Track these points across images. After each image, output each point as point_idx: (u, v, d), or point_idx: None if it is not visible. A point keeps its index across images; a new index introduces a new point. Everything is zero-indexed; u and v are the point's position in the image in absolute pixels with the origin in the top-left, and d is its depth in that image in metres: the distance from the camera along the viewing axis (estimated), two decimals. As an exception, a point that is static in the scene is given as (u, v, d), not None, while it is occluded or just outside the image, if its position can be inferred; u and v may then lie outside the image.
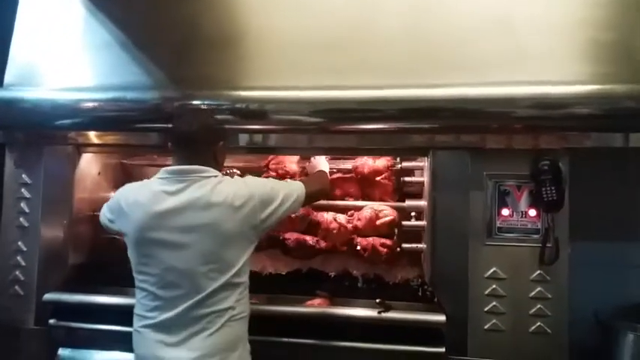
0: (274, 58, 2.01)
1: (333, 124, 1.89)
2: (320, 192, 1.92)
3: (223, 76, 2.00)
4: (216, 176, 1.57)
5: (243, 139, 2.00)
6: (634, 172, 2.15)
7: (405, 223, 2.13)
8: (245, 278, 1.57)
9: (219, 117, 1.88)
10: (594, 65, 1.82)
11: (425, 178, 2.03)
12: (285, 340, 1.90)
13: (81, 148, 2.15)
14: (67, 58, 2.17)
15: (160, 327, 1.50)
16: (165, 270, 1.50)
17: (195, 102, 1.93)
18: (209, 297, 1.48)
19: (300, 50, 1.98)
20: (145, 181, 1.67)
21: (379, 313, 1.85)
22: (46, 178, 2.13)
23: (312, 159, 2.17)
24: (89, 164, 2.24)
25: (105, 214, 1.69)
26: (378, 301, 1.88)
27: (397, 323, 1.85)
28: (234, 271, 1.51)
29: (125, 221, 1.58)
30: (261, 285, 2.16)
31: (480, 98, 1.79)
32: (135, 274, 1.57)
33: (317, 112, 1.87)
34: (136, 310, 1.56)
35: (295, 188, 1.73)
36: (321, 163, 2.12)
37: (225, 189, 1.54)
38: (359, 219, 2.19)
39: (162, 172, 1.59)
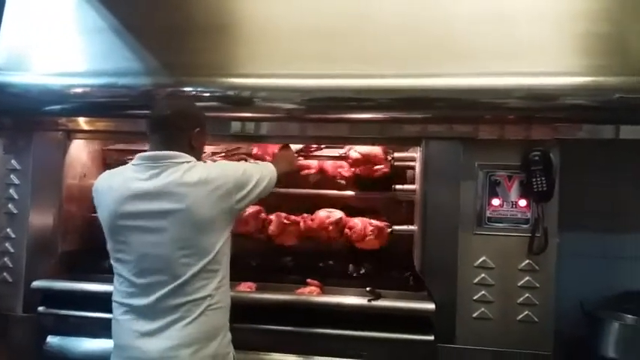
0: (267, 45, 2.00)
1: (326, 113, 1.89)
2: (289, 171, 1.95)
3: (215, 63, 1.98)
4: (189, 162, 1.54)
5: (235, 127, 1.98)
6: (623, 164, 2.18)
7: (395, 227, 2.13)
8: (223, 266, 1.55)
9: (208, 104, 1.87)
10: (587, 57, 1.83)
11: (417, 168, 2.04)
12: (276, 327, 1.90)
13: (71, 134, 2.13)
14: (58, 43, 2.14)
15: (137, 315, 1.48)
16: (141, 256, 1.48)
17: (186, 89, 1.92)
18: (186, 284, 1.46)
19: (292, 38, 1.97)
20: (121, 167, 1.64)
21: (369, 301, 1.86)
22: (36, 164, 2.11)
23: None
24: (79, 151, 2.22)
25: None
26: (368, 289, 1.89)
27: (387, 311, 1.87)
28: (210, 257, 1.48)
29: (100, 208, 1.57)
30: (251, 273, 2.19)
31: (474, 89, 1.80)
32: (112, 262, 1.55)
33: (309, 100, 1.87)
34: (114, 297, 1.55)
35: (268, 171, 1.72)
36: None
37: (197, 173, 1.51)
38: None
39: (136, 159, 1.58)
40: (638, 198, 2.21)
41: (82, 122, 2.09)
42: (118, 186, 1.53)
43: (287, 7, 2.02)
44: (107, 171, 1.68)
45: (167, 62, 2.01)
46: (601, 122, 1.80)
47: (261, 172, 1.68)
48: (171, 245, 1.46)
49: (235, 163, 1.76)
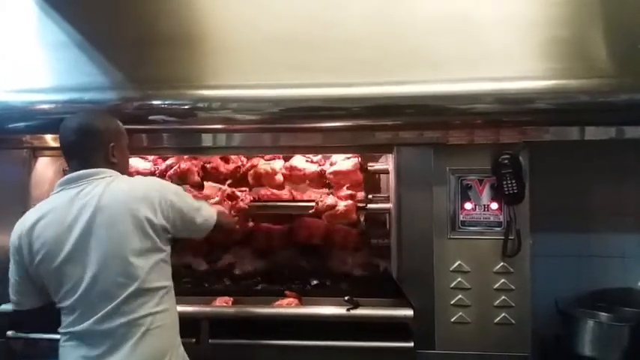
0: (236, 55, 1.98)
1: (297, 123, 1.88)
2: (228, 225, 1.80)
3: (184, 75, 1.96)
4: (110, 176, 1.50)
5: (207, 140, 1.96)
6: (589, 164, 2.22)
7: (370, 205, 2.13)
8: (163, 282, 1.48)
9: (178, 117, 1.86)
10: (550, 61, 1.87)
11: (390, 175, 2.04)
12: (255, 342, 1.87)
13: (36, 151, 2.07)
14: (21, 59, 2.08)
15: (80, 340, 1.44)
16: (76, 282, 1.43)
17: (155, 102, 1.88)
18: (122, 305, 1.41)
19: (261, 47, 1.95)
20: (43, 202, 1.56)
21: (348, 310, 1.85)
22: (0, 183, 2.03)
23: None
24: (45, 168, 2.16)
25: (11, 255, 1.53)
26: (346, 298, 1.88)
27: (366, 320, 1.86)
28: (143, 275, 1.43)
29: (32, 252, 1.47)
30: (228, 287, 2.16)
31: (442, 95, 1.81)
32: (54, 298, 1.49)
33: (280, 110, 1.85)
34: (60, 328, 1.50)
35: (209, 213, 1.63)
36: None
37: (119, 188, 1.47)
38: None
39: (56, 186, 1.53)
40: (606, 198, 2.26)
41: (48, 139, 2.03)
42: (49, 219, 1.46)
43: (254, 16, 2.02)
44: (27, 213, 1.56)
45: (134, 76, 1.97)
46: (566, 124, 1.83)
47: (202, 205, 1.60)
48: (100, 265, 1.41)
49: (169, 183, 1.64)
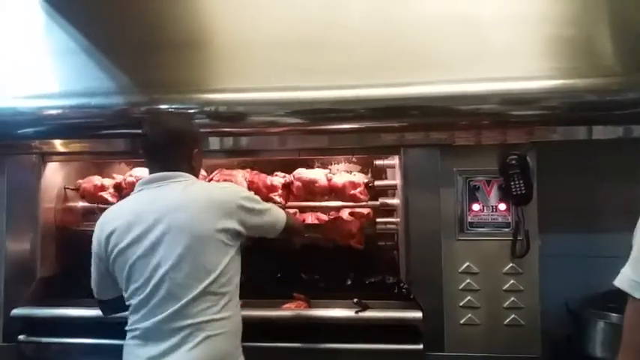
0: (242, 58, 2.00)
1: (304, 125, 1.88)
2: (299, 230, 1.84)
3: (190, 79, 1.97)
4: (188, 179, 1.54)
5: (214, 143, 1.96)
6: (597, 163, 2.20)
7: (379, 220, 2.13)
8: (230, 287, 1.49)
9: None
10: (557, 60, 1.86)
11: (397, 177, 2.04)
12: (263, 345, 1.87)
13: (45, 156, 2.09)
14: (28, 65, 2.11)
15: (142, 338, 1.46)
16: (146, 279, 1.45)
17: (162, 106, 1.89)
18: (187, 306, 1.42)
19: (267, 51, 1.96)
20: (125, 200, 1.62)
21: (356, 312, 1.85)
22: (10, 189, 2.06)
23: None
24: (54, 174, 2.18)
25: (93, 250, 1.56)
26: (355, 300, 1.88)
27: (375, 322, 1.86)
28: (212, 277, 1.44)
29: (109, 247, 1.51)
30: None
31: (448, 95, 1.81)
32: (124, 293, 1.52)
33: (288, 113, 1.86)
34: (127, 327, 1.53)
35: (279, 214, 1.68)
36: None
37: (198, 190, 1.52)
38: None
39: (137, 186, 1.57)
40: (615, 197, 2.23)
41: (57, 144, 2.05)
42: (129, 218, 1.50)
43: (259, 20, 2.02)
44: (109, 209, 1.61)
45: (141, 80, 1.99)
46: (573, 123, 1.82)
47: (272, 209, 1.65)
48: (172, 265, 1.43)
49: (242, 188, 1.72)
